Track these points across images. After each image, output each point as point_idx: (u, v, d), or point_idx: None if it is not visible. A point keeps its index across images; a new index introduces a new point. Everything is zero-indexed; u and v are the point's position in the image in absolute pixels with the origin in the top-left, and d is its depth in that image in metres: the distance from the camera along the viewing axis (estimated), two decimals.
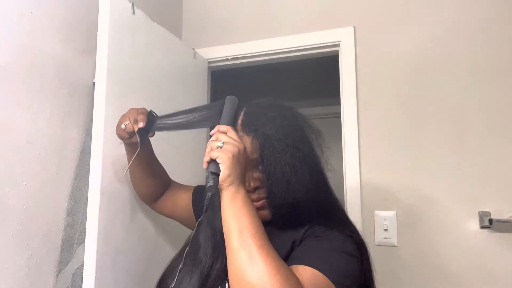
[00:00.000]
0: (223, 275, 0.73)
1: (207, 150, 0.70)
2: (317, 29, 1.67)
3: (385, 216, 1.45)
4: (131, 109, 0.95)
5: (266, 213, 0.79)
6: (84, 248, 1.08)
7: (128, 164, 1.00)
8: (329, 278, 0.66)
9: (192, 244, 0.81)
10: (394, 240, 1.43)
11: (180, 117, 0.88)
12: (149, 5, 1.56)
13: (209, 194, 0.72)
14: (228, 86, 2.79)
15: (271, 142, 0.75)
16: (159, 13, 1.67)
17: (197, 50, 1.73)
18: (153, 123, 0.91)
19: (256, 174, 0.78)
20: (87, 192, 1.11)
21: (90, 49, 1.24)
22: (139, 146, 0.93)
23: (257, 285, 0.58)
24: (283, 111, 0.82)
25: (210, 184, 0.69)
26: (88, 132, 1.21)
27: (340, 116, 1.61)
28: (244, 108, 0.82)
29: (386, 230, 1.44)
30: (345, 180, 1.52)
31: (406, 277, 1.40)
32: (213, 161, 0.69)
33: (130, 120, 0.91)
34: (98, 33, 1.15)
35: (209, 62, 1.83)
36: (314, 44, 1.66)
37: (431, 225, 1.40)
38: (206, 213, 0.78)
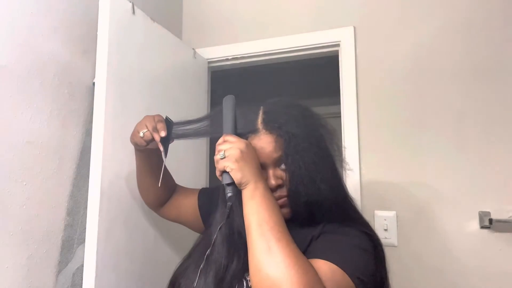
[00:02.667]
0: (240, 274, 0.73)
1: (215, 165, 0.72)
2: (317, 29, 1.67)
3: (385, 216, 1.45)
4: (147, 116, 0.93)
5: (286, 211, 0.79)
6: (84, 248, 1.08)
7: (160, 177, 0.96)
8: (346, 272, 0.66)
9: (208, 245, 0.81)
10: (394, 240, 1.43)
11: (197, 124, 0.88)
12: (149, 5, 1.56)
13: (229, 204, 0.73)
14: (228, 86, 2.79)
15: (296, 140, 0.75)
16: (159, 13, 1.67)
17: (197, 50, 1.73)
18: (171, 130, 0.90)
19: (278, 172, 0.78)
20: (87, 192, 1.11)
21: (90, 49, 1.24)
22: (164, 156, 0.90)
23: (275, 275, 0.59)
24: (303, 110, 0.82)
25: (229, 194, 0.71)
26: (88, 132, 1.21)
27: (340, 116, 1.61)
28: (262, 107, 0.81)
29: (386, 230, 1.44)
30: (345, 180, 1.52)
31: (406, 277, 1.40)
32: (224, 173, 0.71)
33: (148, 128, 0.89)
34: (98, 33, 1.15)
35: (209, 62, 1.83)
36: (314, 44, 1.66)
37: (431, 225, 1.40)
38: (227, 220, 0.78)
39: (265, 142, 0.76)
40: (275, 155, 0.76)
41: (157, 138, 0.87)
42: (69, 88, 1.18)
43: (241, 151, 0.70)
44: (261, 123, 0.78)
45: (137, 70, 1.27)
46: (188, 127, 0.89)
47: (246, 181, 0.68)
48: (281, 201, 0.78)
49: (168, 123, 0.91)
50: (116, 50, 1.17)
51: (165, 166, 0.97)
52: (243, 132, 0.78)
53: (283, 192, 0.78)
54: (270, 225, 0.64)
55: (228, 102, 0.80)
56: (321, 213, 0.77)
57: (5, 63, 0.98)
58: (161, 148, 0.88)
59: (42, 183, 1.07)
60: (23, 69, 1.03)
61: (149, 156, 1.00)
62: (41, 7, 1.09)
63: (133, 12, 1.26)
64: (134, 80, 1.25)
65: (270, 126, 0.77)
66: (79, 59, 1.22)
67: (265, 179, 0.72)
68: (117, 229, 1.15)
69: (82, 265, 1.10)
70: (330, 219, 0.78)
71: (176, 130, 0.90)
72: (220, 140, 0.73)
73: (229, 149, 0.70)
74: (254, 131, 0.78)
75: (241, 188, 0.69)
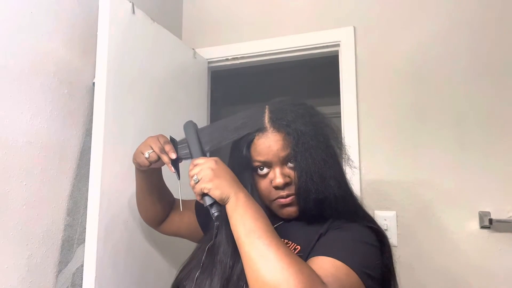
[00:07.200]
0: None
1: (193, 191, 0.72)
2: (317, 29, 1.67)
3: (385, 216, 1.45)
4: (150, 137, 0.90)
5: (294, 209, 0.79)
6: (84, 248, 1.08)
7: (180, 202, 0.94)
8: (350, 267, 0.66)
9: (211, 246, 0.81)
10: (394, 240, 1.43)
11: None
12: (149, 5, 1.56)
13: (216, 223, 0.73)
14: (228, 86, 2.79)
15: (305, 138, 0.75)
16: (159, 13, 1.67)
17: (197, 50, 1.73)
18: (177, 150, 0.87)
19: (286, 170, 0.78)
20: (87, 192, 1.11)
21: (90, 49, 1.24)
22: (178, 177, 0.87)
23: (272, 280, 0.59)
24: (309, 109, 0.82)
25: (216, 214, 0.71)
26: (88, 132, 1.21)
27: (340, 116, 1.61)
28: (268, 106, 0.82)
29: (386, 230, 1.43)
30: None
31: (406, 277, 1.40)
32: (204, 195, 0.72)
33: (154, 150, 0.86)
34: (98, 33, 1.15)
35: (209, 62, 1.83)
36: (314, 44, 1.66)
37: (431, 225, 1.40)
38: (216, 239, 0.79)
39: (272, 140, 0.77)
40: (283, 153, 0.77)
41: (166, 160, 0.84)
42: (69, 88, 1.18)
43: (212, 169, 0.70)
44: (268, 121, 0.78)
45: (137, 70, 1.27)
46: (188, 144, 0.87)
47: (227, 196, 0.69)
48: (289, 199, 0.78)
49: (173, 142, 0.88)
50: (116, 50, 1.17)
51: (180, 189, 0.92)
52: (251, 131, 0.78)
53: (291, 190, 0.78)
54: (258, 234, 0.64)
55: (188, 128, 0.81)
56: (329, 210, 0.77)
57: (5, 63, 0.98)
58: (173, 170, 0.85)
59: (42, 183, 1.07)
60: (23, 69, 1.03)
61: (150, 176, 0.99)
62: (41, 7, 1.09)
63: (133, 12, 1.26)
64: (134, 80, 1.25)
65: (278, 124, 0.77)
66: (79, 59, 1.22)
67: (244, 188, 0.72)
68: (117, 229, 1.15)
69: (82, 265, 1.10)
70: (337, 216, 0.78)
71: (181, 149, 0.87)
72: (191, 166, 0.74)
73: (200, 172, 0.71)
74: (261, 129, 0.78)
75: (224, 203, 0.70)
